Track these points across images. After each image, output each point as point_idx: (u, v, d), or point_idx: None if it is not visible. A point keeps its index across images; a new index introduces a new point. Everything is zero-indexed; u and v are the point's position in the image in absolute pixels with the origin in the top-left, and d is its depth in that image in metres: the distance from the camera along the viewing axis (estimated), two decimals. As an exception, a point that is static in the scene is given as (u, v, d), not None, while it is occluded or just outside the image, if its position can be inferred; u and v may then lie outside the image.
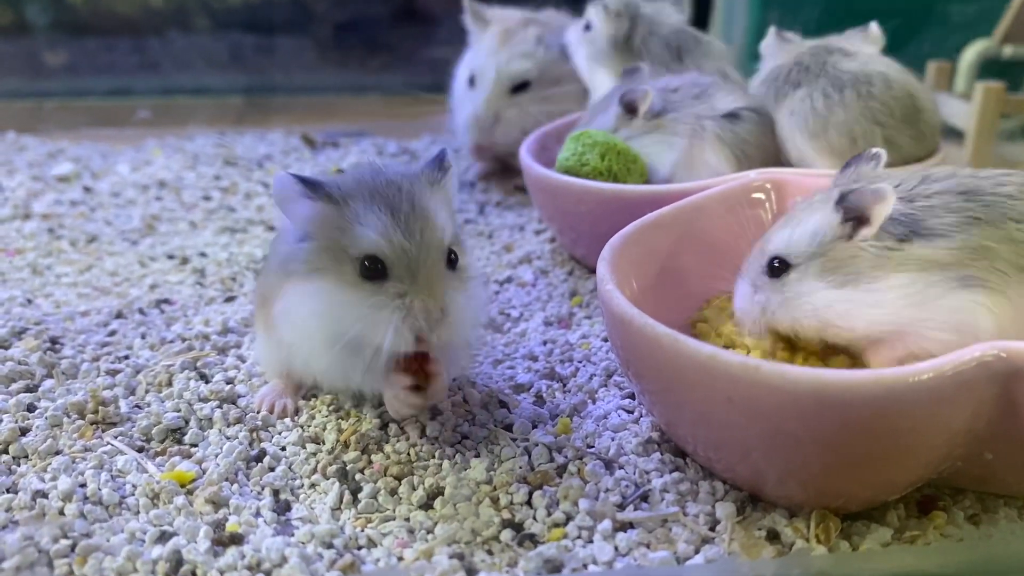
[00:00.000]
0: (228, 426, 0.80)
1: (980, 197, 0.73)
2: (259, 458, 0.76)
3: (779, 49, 1.24)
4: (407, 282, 0.69)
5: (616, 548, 0.66)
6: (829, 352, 0.76)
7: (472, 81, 1.43)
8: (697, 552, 0.66)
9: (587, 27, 1.35)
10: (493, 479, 0.73)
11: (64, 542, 0.65)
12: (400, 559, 0.65)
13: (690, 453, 0.74)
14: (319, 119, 1.79)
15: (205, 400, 0.84)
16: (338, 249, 0.71)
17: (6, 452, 0.76)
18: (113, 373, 0.88)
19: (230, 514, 0.69)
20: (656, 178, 1.11)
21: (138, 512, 0.70)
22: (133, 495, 0.71)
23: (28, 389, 0.85)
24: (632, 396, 0.85)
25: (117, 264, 1.16)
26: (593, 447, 0.77)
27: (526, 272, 1.15)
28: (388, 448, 0.77)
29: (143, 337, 0.96)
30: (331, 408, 0.83)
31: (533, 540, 0.67)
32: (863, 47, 1.20)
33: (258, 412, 0.82)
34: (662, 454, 0.75)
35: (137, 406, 0.84)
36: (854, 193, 0.73)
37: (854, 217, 0.73)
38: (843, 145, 1.10)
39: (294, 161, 1.57)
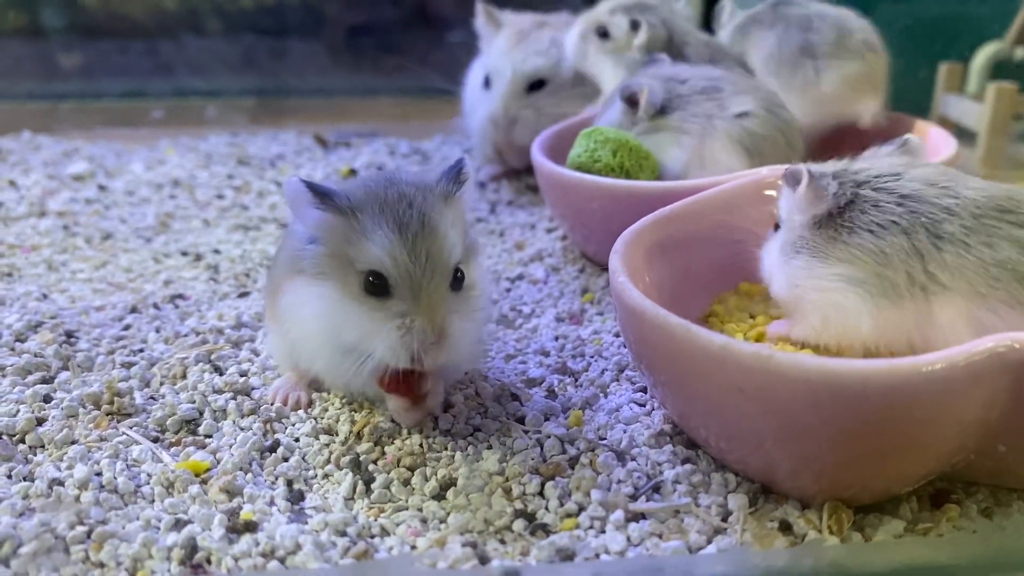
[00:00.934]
0: (242, 417, 0.81)
1: (914, 203, 0.74)
2: (273, 448, 0.76)
3: None
4: (409, 302, 0.70)
5: (628, 538, 0.66)
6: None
7: (487, 82, 1.43)
8: (709, 542, 0.66)
9: (604, 34, 1.34)
10: (505, 470, 0.73)
11: (80, 528, 0.66)
12: (413, 547, 0.65)
13: (702, 445, 0.74)
14: (331, 120, 1.80)
15: (219, 392, 0.84)
16: (344, 259, 0.72)
17: (23, 442, 0.77)
18: (128, 366, 0.89)
19: (244, 503, 0.70)
20: (667, 176, 1.11)
21: (153, 500, 0.70)
22: (148, 484, 0.72)
23: (44, 380, 0.86)
24: (644, 390, 0.85)
25: (131, 261, 1.17)
26: (605, 439, 0.77)
27: (538, 269, 1.15)
28: (401, 440, 0.78)
29: (157, 331, 0.97)
30: (344, 401, 0.83)
31: (545, 530, 0.67)
32: None
33: (272, 404, 0.82)
34: (674, 446, 0.76)
35: (152, 398, 0.84)
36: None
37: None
38: None
39: (306, 161, 1.58)
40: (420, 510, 0.70)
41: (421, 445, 0.77)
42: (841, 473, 0.66)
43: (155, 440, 0.78)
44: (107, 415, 0.80)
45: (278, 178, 1.49)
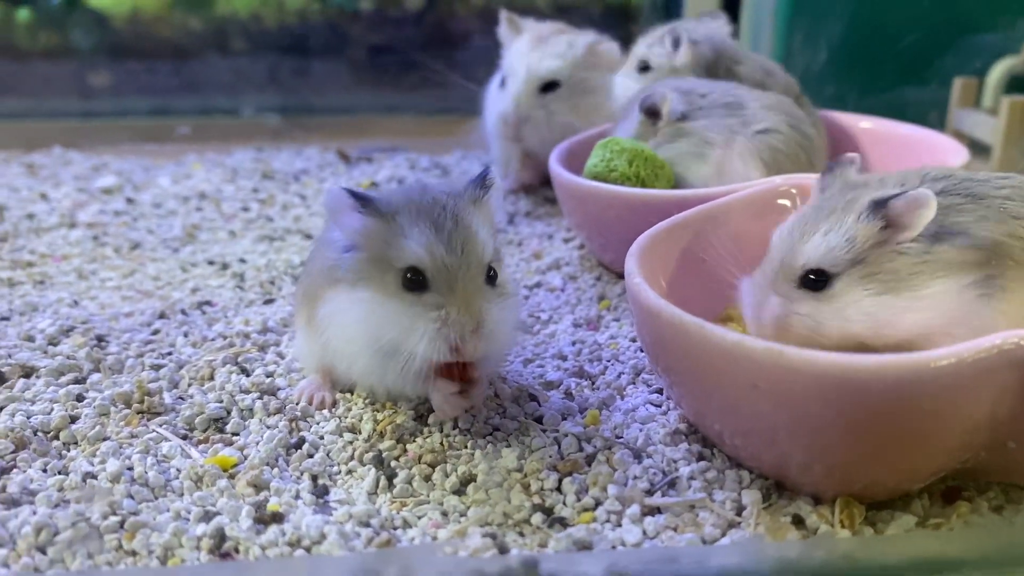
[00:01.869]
0: (268, 416, 0.83)
1: (982, 200, 0.74)
2: (298, 445, 0.79)
3: None
4: (446, 294, 0.73)
5: (644, 532, 0.68)
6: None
7: (503, 83, 1.46)
8: (723, 535, 0.68)
9: (645, 68, 1.35)
10: (524, 467, 0.75)
11: (113, 518, 0.68)
12: (434, 539, 0.67)
13: (717, 443, 0.76)
14: (353, 136, 1.84)
15: (246, 392, 0.87)
16: (383, 260, 0.75)
17: (57, 438, 0.80)
18: (157, 368, 0.92)
19: (271, 496, 0.72)
20: (688, 187, 1.13)
21: (182, 494, 0.73)
22: (178, 478, 0.74)
23: (76, 381, 0.89)
24: (660, 391, 0.87)
25: (159, 269, 1.20)
26: (621, 437, 0.79)
27: (555, 278, 1.17)
28: (422, 438, 0.80)
29: (185, 335, 0.99)
30: (367, 401, 0.85)
31: (563, 523, 0.69)
32: None
33: (297, 404, 0.85)
34: (689, 444, 0.77)
35: (180, 397, 0.87)
36: (898, 200, 0.72)
37: (889, 225, 0.73)
38: None
39: (329, 175, 1.61)
40: (441, 504, 0.72)
41: (441, 443, 0.79)
42: (853, 468, 0.67)
43: (184, 437, 0.80)
44: (138, 413, 0.83)
45: (302, 191, 1.52)
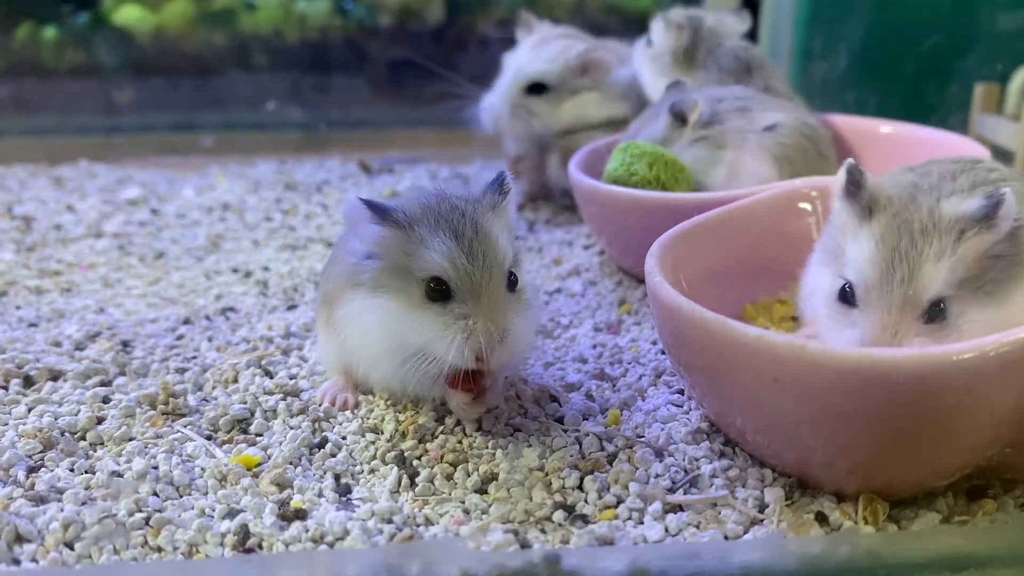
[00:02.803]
0: (291, 417, 0.84)
1: None
2: (321, 445, 0.79)
3: None
4: (470, 304, 0.73)
5: (666, 529, 0.68)
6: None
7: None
8: (746, 532, 0.67)
9: (649, 42, 1.38)
10: (545, 466, 0.75)
11: (139, 515, 0.69)
12: (456, 535, 0.67)
13: (739, 441, 0.76)
14: (375, 148, 1.86)
15: (270, 393, 0.87)
16: (404, 270, 0.75)
17: (83, 439, 0.81)
18: (182, 371, 0.93)
19: (294, 494, 0.72)
20: (703, 189, 1.13)
21: (206, 492, 0.73)
22: (202, 477, 0.75)
23: (102, 384, 0.90)
24: (681, 392, 0.87)
25: (184, 277, 1.21)
26: (643, 436, 0.79)
27: (575, 283, 1.17)
28: (443, 438, 0.80)
29: (209, 340, 1.00)
30: (389, 403, 0.86)
31: (585, 520, 0.69)
32: None
33: (320, 405, 0.85)
34: (711, 443, 0.77)
35: (204, 399, 0.87)
36: (1000, 203, 0.70)
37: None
38: None
39: (351, 186, 1.63)
40: (463, 502, 0.72)
41: (462, 443, 0.79)
42: (876, 463, 0.67)
43: (208, 438, 0.81)
44: (163, 415, 0.84)
45: (324, 202, 1.53)
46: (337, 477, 0.75)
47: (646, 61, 1.37)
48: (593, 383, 0.90)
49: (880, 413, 0.62)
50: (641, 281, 1.15)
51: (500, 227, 0.77)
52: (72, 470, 0.76)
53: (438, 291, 0.74)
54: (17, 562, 0.64)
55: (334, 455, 0.78)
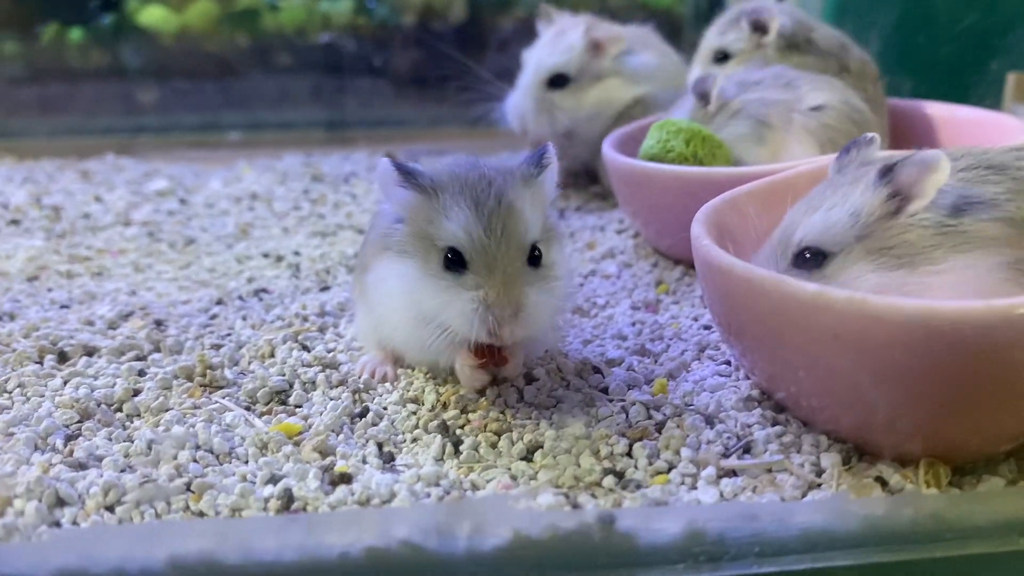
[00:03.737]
0: (331, 388, 0.82)
1: (1008, 171, 0.71)
2: (362, 414, 0.78)
3: None
4: (484, 277, 0.71)
5: (721, 494, 0.66)
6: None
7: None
8: (804, 497, 0.65)
9: (723, 57, 1.34)
10: (592, 434, 0.73)
11: (179, 480, 0.67)
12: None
13: (792, 408, 0.74)
14: (400, 143, 1.85)
15: (308, 366, 0.86)
16: (426, 237, 0.74)
17: (120, 410, 0.79)
18: (217, 347, 0.91)
19: (337, 460, 0.71)
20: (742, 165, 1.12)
21: (247, 461, 0.72)
22: (242, 446, 0.73)
23: (138, 358, 0.89)
24: (728, 363, 0.85)
25: (215, 262, 1.20)
26: (692, 405, 0.77)
27: (610, 266, 1.16)
28: (486, 409, 0.78)
29: (244, 319, 0.99)
30: (428, 376, 0.84)
31: (636, 485, 0.67)
32: None
33: (360, 378, 0.84)
34: (763, 410, 0.75)
35: (242, 373, 0.86)
36: (901, 165, 0.70)
37: (897, 193, 0.71)
38: None
39: (379, 195, 1.61)
40: (509, 469, 0.70)
41: (504, 413, 0.77)
42: (939, 424, 0.64)
43: (247, 409, 0.80)
44: (200, 387, 0.83)
45: (352, 191, 1.52)
46: (380, 445, 0.74)
47: (744, 54, 1.33)
48: (635, 359, 0.88)
49: (944, 368, 0.60)
50: (678, 262, 1.14)
51: (529, 200, 0.75)
52: (110, 439, 0.74)
53: (454, 261, 0.73)
54: (58, 524, 0.63)
55: (375, 424, 0.77)
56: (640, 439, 0.72)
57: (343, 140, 1.98)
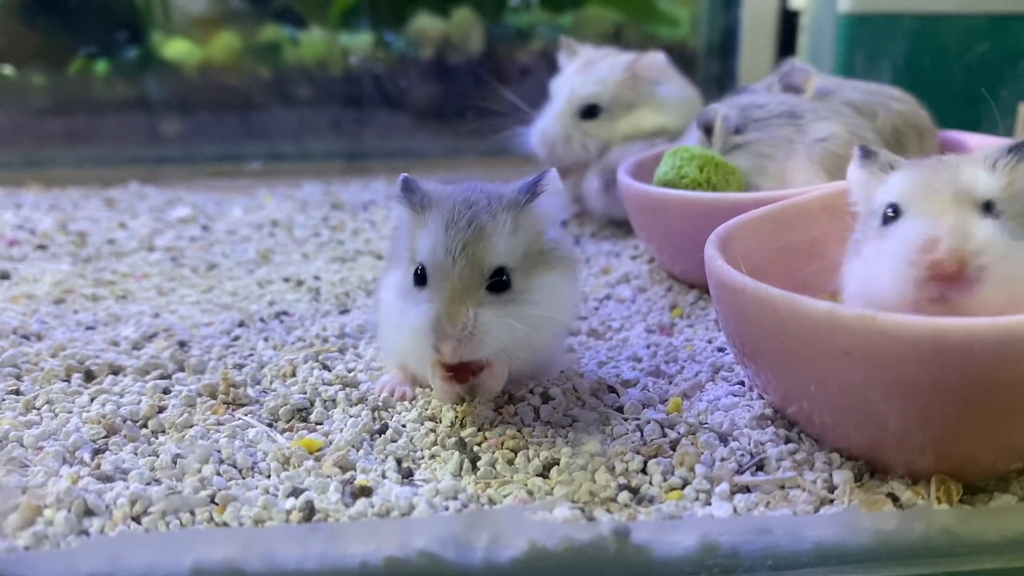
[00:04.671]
0: (351, 406, 0.84)
1: None
2: (382, 431, 0.79)
3: None
4: (435, 293, 0.74)
5: (735, 509, 0.67)
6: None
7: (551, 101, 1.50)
8: (817, 511, 0.66)
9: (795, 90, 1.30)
10: (607, 451, 0.75)
11: (204, 493, 0.69)
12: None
13: (805, 426, 0.75)
14: (418, 173, 1.87)
15: (329, 384, 0.88)
16: (412, 251, 0.78)
17: (145, 426, 0.81)
18: (240, 367, 0.93)
19: (358, 474, 0.72)
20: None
21: (269, 475, 0.73)
22: (264, 460, 0.75)
23: (162, 377, 0.91)
24: (742, 383, 0.86)
25: (236, 286, 1.22)
26: (706, 423, 0.78)
27: (624, 290, 1.17)
28: (503, 427, 0.79)
29: (265, 340, 1.01)
30: (446, 395, 0.85)
31: (651, 501, 0.68)
32: None
33: (379, 396, 0.85)
34: (776, 428, 0.76)
35: (264, 391, 0.88)
36: None
37: None
38: None
39: (395, 205, 1.64)
40: (525, 484, 0.71)
41: (521, 431, 0.79)
42: (949, 439, 0.65)
43: (269, 425, 0.81)
44: (223, 404, 0.84)
45: (371, 218, 1.55)
46: (399, 461, 0.75)
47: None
48: (649, 379, 0.89)
49: (953, 383, 0.61)
50: (692, 286, 1.15)
51: (507, 226, 0.76)
52: (136, 454, 0.76)
53: (420, 276, 0.76)
54: (86, 534, 0.65)
55: (394, 440, 0.78)
56: (655, 456, 0.74)
57: (362, 170, 2.01)
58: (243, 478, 0.73)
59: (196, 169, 2.07)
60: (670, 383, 0.89)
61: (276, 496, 0.69)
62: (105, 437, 0.78)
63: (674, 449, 0.75)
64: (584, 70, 1.48)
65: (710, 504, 0.68)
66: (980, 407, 0.62)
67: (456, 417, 0.81)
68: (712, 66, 2.28)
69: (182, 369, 0.93)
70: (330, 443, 0.78)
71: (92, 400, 0.85)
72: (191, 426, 0.81)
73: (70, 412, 0.83)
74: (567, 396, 0.85)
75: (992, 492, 0.68)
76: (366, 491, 0.69)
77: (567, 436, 0.78)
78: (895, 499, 0.67)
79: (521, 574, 0.60)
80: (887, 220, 0.76)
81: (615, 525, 0.61)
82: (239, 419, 0.82)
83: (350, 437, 0.77)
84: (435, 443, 0.78)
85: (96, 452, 0.76)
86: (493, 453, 0.75)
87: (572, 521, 0.64)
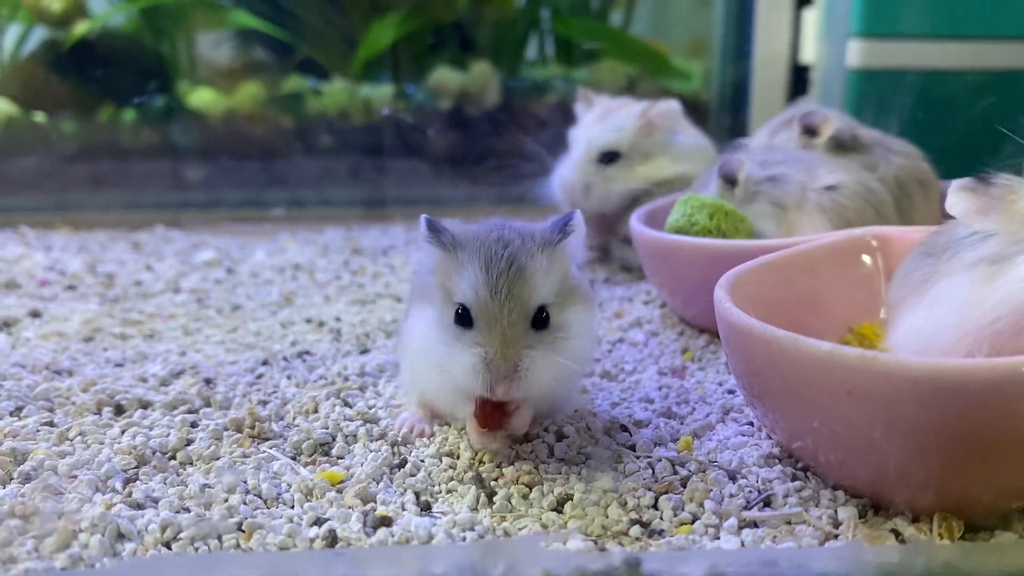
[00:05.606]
0: (372, 441, 0.87)
1: None
2: (401, 465, 0.82)
3: None
4: (485, 335, 0.77)
5: (742, 543, 0.69)
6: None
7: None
8: (822, 546, 0.68)
9: (812, 132, 1.34)
10: (619, 488, 0.77)
11: (231, 520, 0.72)
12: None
13: (812, 464, 0.77)
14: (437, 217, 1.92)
15: (350, 420, 0.91)
16: (446, 290, 0.80)
17: (174, 458, 0.84)
18: (264, 403, 0.96)
19: (378, 506, 0.75)
20: (760, 244, 1.17)
21: (293, 505, 0.76)
22: (288, 491, 0.78)
23: (189, 411, 0.94)
24: (751, 424, 0.88)
25: (260, 327, 1.26)
26: (716, 461, 0.81)
27: (637, 334, 1.20)
28: (519, 463, 0.82)
29: (288, 378, 1.04)
30: (463, 431, 0.88)
31: (662, 534, 0.71)
32: None
33: (398, 433, 0.88)
34: (783, 466, 0.79)
35: (287, 426, 0.91)
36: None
37: None
38: None
39: (414, 250, 1.68)
40: (540, 519, 0.74)
41: (537, 468, 0.81)
42: (950, 477, 0.68)
43: (293, 459, 0.84)
44: (249, 437, 0.88)
45: (390, 263, 1.59)
46: (417, 494, 0.78)
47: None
48: (661, 420, 0.92)
49: (952, 424, 0.64)
50: (703, 331, 1.18)
51: (544, 264, 0.79)
52: (165, 483, 0.79)
53: (463, 317, 0.78)
54: (118, 556, 0.67)
55: (413, 475, 0.81)
56: (666, 492, 0.76)
57: (381, 217, 2.05)
58: (268, 508, 0.76)
59: (220, 214, 2.12)
60: (681, 423, 0.91)
61: (300, 525, 0.72)
62: (136, 467, 0.82)
63: (684, 486, 0.77)
64: (602, 119, 1.53)
65: (719, 538, 0.70)
66: (978, 447, 0.65)
67: (474, 456, 0.84)
68: (724, 119, 2.33)
69: (208, 405, 0.97)
70: (351, 476, 0.80)
71: (123, 432, 0.88)
72: (218, 458, 0.84)
73: (102, 443, 0.86)
74: (581, 434, 0.87)
75: (993, 530, 0.70)
76: (386, 521, 0.71)
77: (580, 472, 0.80)
78: (898, 535, 0.69)
79: (535, 602, 0.62)
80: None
81: (626, 555, 0.64)
82: (264, 452, 0.85)
83: (371, 470, 0.80)
84: (452, 478, 0.80)
85: (127, 481, 0.79)
86: (509, 488, 0.78)
87: (585, 552, 0.67)
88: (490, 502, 0.76)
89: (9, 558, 0.66)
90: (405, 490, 0.78)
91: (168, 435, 0.87)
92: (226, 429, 0.89)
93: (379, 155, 2.37)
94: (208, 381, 1.03)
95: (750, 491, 0.75)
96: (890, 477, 0.70)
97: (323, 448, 0.86)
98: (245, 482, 0.78)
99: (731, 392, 0.98)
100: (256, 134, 2.40)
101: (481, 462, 0.83)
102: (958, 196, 0.80)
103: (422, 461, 0.83)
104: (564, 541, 0.69)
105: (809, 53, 1.90)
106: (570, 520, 0.73)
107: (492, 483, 0.79)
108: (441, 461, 0.83)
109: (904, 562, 0.64)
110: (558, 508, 0.76)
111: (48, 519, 0.70)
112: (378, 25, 2.37)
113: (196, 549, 0.69)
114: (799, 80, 1.97)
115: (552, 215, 1.63)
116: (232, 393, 0.99)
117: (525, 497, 0.77)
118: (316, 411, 0.94)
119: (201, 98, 2.39)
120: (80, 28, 2.24)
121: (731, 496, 0.75)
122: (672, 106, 1.51)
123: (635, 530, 0.71)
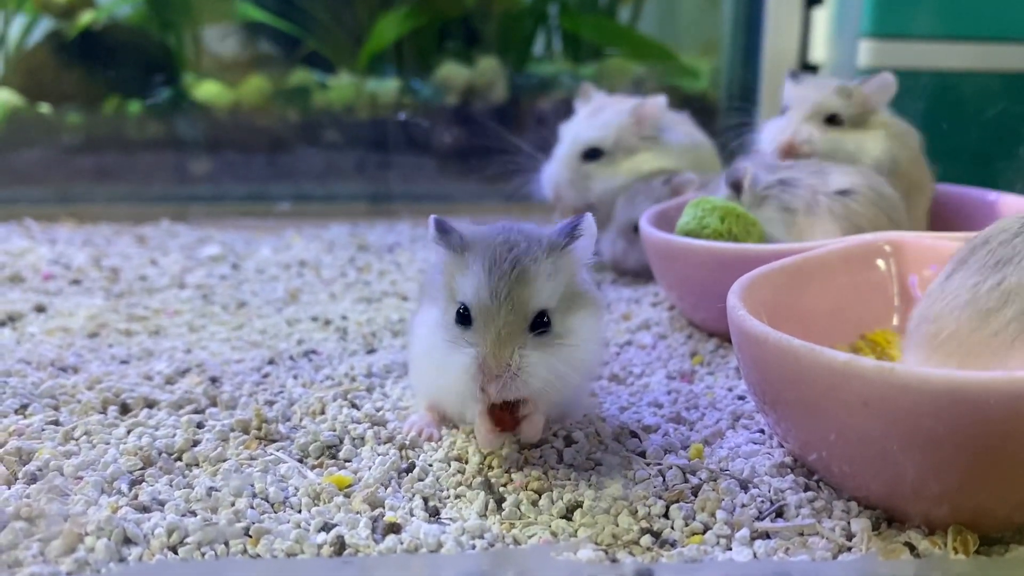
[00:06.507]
0: (379, 444, 0.86)
1: None
2: (409, 469, 0.81)
3: None
4: (481, 335, 0.76)
5: (755, 554, 0.68)
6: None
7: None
8: (835, 559, 0.68)
9: (833, 119, 1.34)
10: (630, 495, 0.76)
11: (238, 525, 0.71)
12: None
13: (824, 474, 0.76)
14: (444, 214, 1.91)
15: (358, 422, 0.90)
16: (452, 290, 0.80)
17: (180, 459, 0.84)
18: (270, 404, 0.96)
19: (386, 511, 0.74)
20: (771, 247, 1.16)
21: (300, 510, 0.75)
22: (296, 495, 0.77)
23: (195, 411, 0.93)
24: (762, 432, 0.88)
25: (266, 324, 1.25)
26: (727, 469, 0.80)
27: (645, 336, 1.19)
28: (528, 469, 0.81)
29: (295, 378, 1.04)
30: (471, 435, 0.88)
31: (673, 545, 0.70)
32: None
33: (406, 436, 0.87)
34: (795, 476, 0.78)
35: (294, 428, 0.90)
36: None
37: None
38: None
39: (420, 248, 1.68)
40: (549, 526, 0.73)
41: (546, 474, 0.81)
42: (965, 490, 0.67)
43: (300, 461, 0.83)
44: (255, 439, 0.87)
45: (396, 260, 1.58)
46: (426, 500, 0.77)
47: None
48: (671, 425, 0.91)
49: (969, 437, 0.63)
50: (712, 334, 1.17)
51: (547, 269, 0.78)
52: (171, 485, 0.78)
53: (463, 316, 0.78)
54: (125, 561, 0.67)
55: (422, 479, 0.80)
56: (677, 501, 0.75)
57: (387, 212, 2.05)
58: (275, 512, 0.75)
59: (225, 208, 2.12)
60: (691, 429, 0.91)
61: (308, 530, 0.71)
62: (142, 469, 0.81)
63: (696, 494, 0.77)
64: (591, 115, 1.54)
65: (731, 549, 0.69)
66: (996, 460, 0.64)
67: (483, 461, 0.83)
68: (732, 117, 2.32)
69: (214, 404, 0.96)
70: (359, 480, 0.80)
71: (128, 432, 0.88)
72: (224, 460, 0.83)
73: (107, 443, 0.85)
74: (590, 440, 0.87)
75: (1009, 544, 0.69)
76: (395, 528, 0.71)
77: (590, 479, 0.79)
78: (912, 548, 0.68)
79: (546, 612, 0.62)
80: None
81: (638, 566, 0.63)
82: (271, 454, 0.84)
83: (379, 475, 0.79)
84: (461, 483, 0.80)
85: (133, 483, 0.78)
86: (518, 494, 0.77)
87: (596, 562, 0.66)
88: (499, 508, 0.76)
89: (15, 561, 0.65)
90: (413, 495, 0.77)
91: (174, 436, 0.87)
92: (232, 430, 0.88)
93: (385, 150, 2.36)
94: (214, 380, 1.02)
95: (762, 501, 0.75)
96: (905, 489, 0.69)
97: (330, 451, 0.86)
98: (252, 485, 0.78)
99: (741, 398, 0.97)
100: (262, 127, 2.39)
101: (490, 467, 0.82)
102: None
103: (430, 465, 0.83)
104: (575, 550, 0.68)
105: (819, 53, 1.89)
106: (580, 528, 0.72)
107: (501, 489, 0.79)
108: (450, 465, 0.83)
109: (919, 575, 0.64)
110: (568, 515, 0.75)
111: (54, 522, 0.69)
112: (385, 19, 2.37)
113: (203, 554, 0.68)
114: (808, 80, 1.96)
115: (553, 215, 1.65)
116: (238, 392, 0.99)
117: (534, 504, 0.76)
118: (323, 412, 0.93)
119: (207, 91, 2.38)
120: (85, 18, 2.23)
121: (743, 506, 0.74)
122: (659, 102, 1.52)
123: (646, 539, 0.70)
